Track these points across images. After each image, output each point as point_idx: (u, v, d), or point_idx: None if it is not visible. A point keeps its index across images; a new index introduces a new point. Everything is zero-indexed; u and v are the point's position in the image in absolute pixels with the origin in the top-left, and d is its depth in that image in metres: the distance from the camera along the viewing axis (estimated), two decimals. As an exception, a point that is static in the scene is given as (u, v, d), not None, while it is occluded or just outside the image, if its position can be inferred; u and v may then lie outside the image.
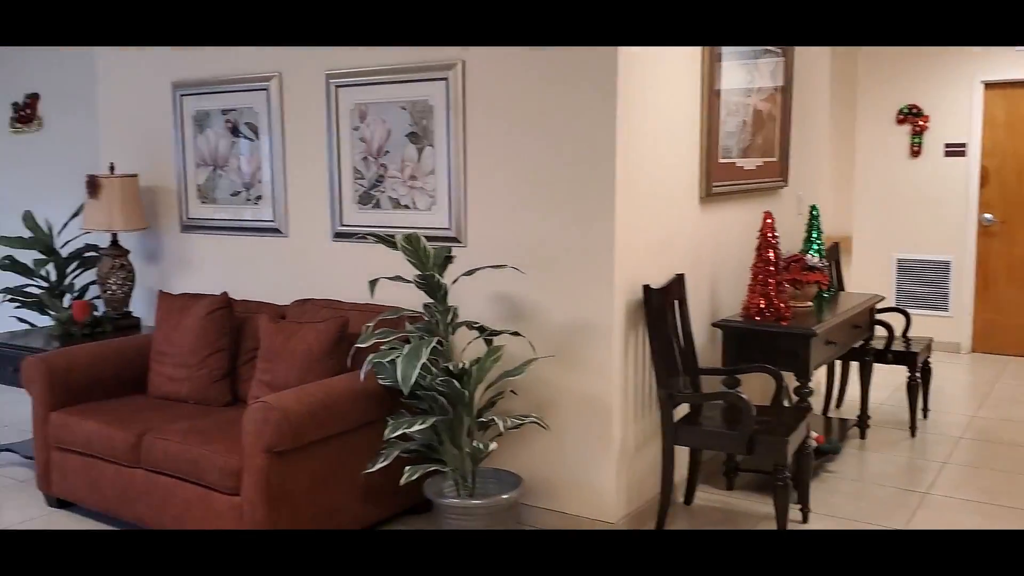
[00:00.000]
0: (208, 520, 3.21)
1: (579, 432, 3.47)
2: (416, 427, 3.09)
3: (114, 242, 4.56)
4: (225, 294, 3.98)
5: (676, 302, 3.69)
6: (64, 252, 4.76)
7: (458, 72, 3.59)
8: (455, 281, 3.40)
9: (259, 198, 4.32)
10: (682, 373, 3.64)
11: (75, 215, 4.78)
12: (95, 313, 4.51)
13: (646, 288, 3.45)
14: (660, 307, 3.51)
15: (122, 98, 4.75)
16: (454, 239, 3.68)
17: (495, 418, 3.19)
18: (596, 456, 3.45)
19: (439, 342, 3.19)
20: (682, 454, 3.75)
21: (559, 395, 3.49)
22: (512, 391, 3.48)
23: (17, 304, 4.63)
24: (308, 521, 3.18)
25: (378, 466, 3.14)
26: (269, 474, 3.04)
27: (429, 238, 3.34)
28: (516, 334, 3.36)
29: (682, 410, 3.64)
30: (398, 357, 3.04)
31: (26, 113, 5.59)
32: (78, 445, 3.62)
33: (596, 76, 3.27)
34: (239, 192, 4.39)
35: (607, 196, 3.30)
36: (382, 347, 3.25)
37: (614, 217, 3.29)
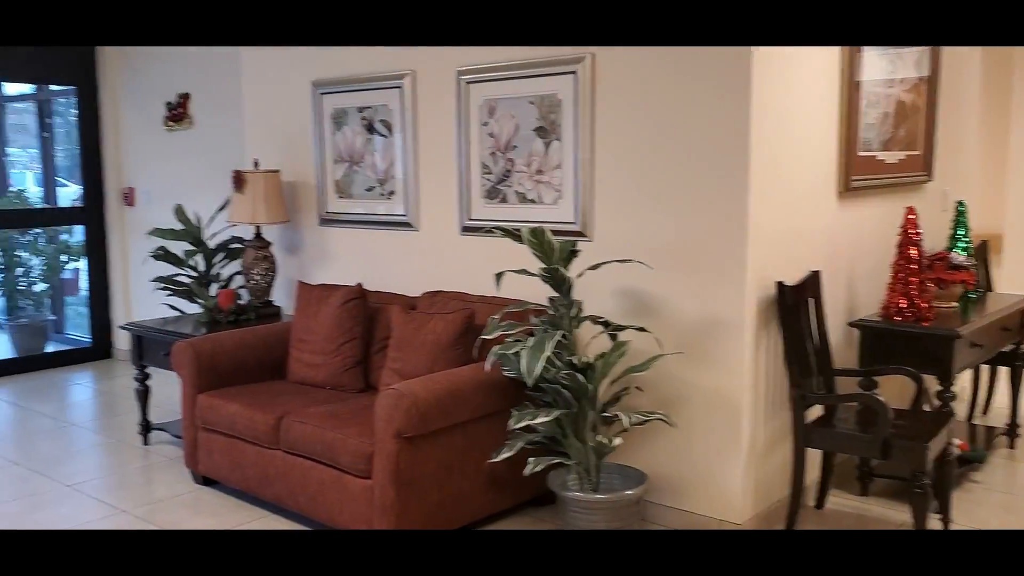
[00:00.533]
0: (341, 501, 3.34)
1: (706, 430, 3.42)
2: (540, 419, 3.11)
3: (257, 234, 4.79)
4: (359, 285, 4.12)
5: (811, 300, 3.57)
6: (211, 244, 5.03)
7: (587, 66, 3.59)
8: (580, 275, 3.41)
9: (392, 193, 4.45)
10: (816, 373, 3.52)
11: (221, 209, 5.06)
12: (239, 301, 4.75)
13: (779, 285, 3.36)
14: (794, 305, 3.40)
15: (265, 97, 4.99)
16: (579, 233, 3.68)
17: (619, 414, 3.18)
18: (724, 455, 3.38)
19: (563, 336, 3.20)
20: (814, 457, 3.63)
21: (686, 392, 3.45)
22: (637, 387, 3.46)
23: (169, 292, 4.93)
24: (434, 506, 3.26)
25: (502, 456, 3.19)
26: (399, 459, 3.13)
27: (554, 232, 3.36)
28: (642, 330, 3.33)
29: (815, 412, 3.52)
30: (523, 349, 3.08)
31: (178, 112, 5.94)
32: (222, 426, 3.84)
33: (729, 69, 3.20)
34: (373, 187, 4.53)
35: (739, 190, 3.22)
36: (507, 339, 3.29)
37: (747, 212, 3.22)
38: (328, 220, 4.76)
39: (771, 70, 3.27)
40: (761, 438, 3.46)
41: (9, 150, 8.23)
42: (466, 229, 4.11)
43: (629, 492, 3.20)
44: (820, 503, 3.73)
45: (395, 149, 4.39)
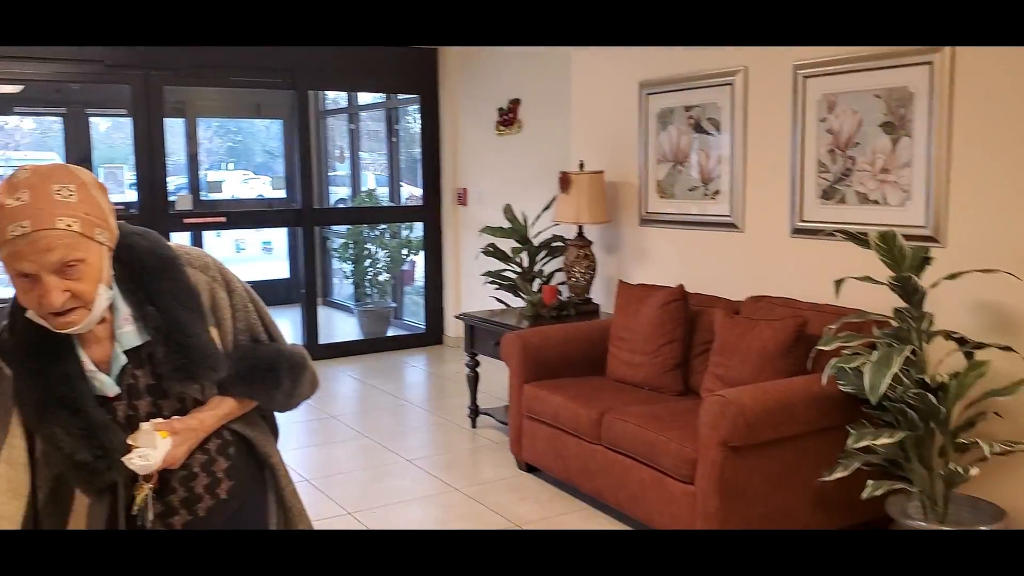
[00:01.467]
0: (662, 503, 3.33)
1: (1082, 468, 2.97)
2: (881, 440, 2.88)
3: (580, 234, 4.93)
4: (681, 287, 4.09)
5: None
6: (536, 241, 5.26)
7: (945, 56, 3.26)
8: (934, 285, 3.10)
9: (716, 193, 4.36)
10: None
11: (546, 208, 5.26)
12: (560, 297, 4.92)
13: None
14: None
15: (592, 100, 5.11)
16: (931, 238, 3.36)
17: (979, 441, 2.85)
18: (1104, 499, 2.92)
19: (912, 351, 2.93)
20: None
21: (1057, 422, 3.02)
22: (996, 413, 3.09)
23: (496, 286, 5.23)
24: (759, 520, 3.14)
25: (836, 475, 3.00)
26: (723, 467, 3.06)
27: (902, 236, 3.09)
28: (1007, 349, 2.96)
29: None
30: (866, 364, 2.86)
31: (509, 117, 6.29)
32: (546, 416, 3.99)
33: None
34: (696, 187, 4.47)
35: None
36: (845, 351, 3.08)
37: None
38: (648, 220, 4.78)
39: None
40: None
41: (361, 154, 9.23)
42: (797, 231, 3.91)
43: (983, 528, 2.87)
44: None
45: (722, 148, 4.30)
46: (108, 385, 1.59)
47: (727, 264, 4.29)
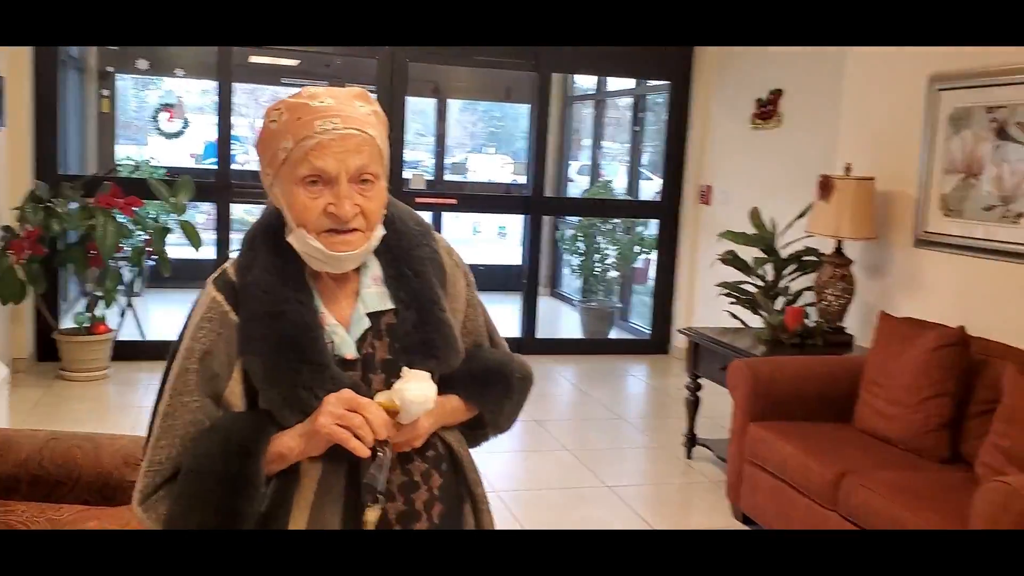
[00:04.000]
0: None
1: None
2: None
3: (838, 249, 4.21)
4: (962, 328, 3.30)
5: None
6: (784, 253, 4.60)
7: None
8: None
9: (1020, 216, 3.50)
10: None
11: (801, 215, 4.57)
12: (806, 322, 4.24)
13: None
14: None
15: (869, 94, 4.34)
16: None
17: None
18: None
19: None
20: None
21: None
22: None
23: (733, 300, 4.63)
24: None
25: None
26: None
27: None
28: None
29: None
30: None
31: (768, 109, 5.60)
32: (771, 465, 3.38)
33: None
34: (995, 206, 3.62)
35: None
36: None
37: None
38: (926, 241, 3.97)
39: None
40: None
41: (604, 143, 8.82)
42: None
43: None
44: None
45: (1035, 161, 3.43)
46: (347, 345, 1.37)
47: (1026, 306, 3.43)
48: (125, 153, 7.63)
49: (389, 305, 1.41)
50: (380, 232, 1.37)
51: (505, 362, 1.52)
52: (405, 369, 1.35)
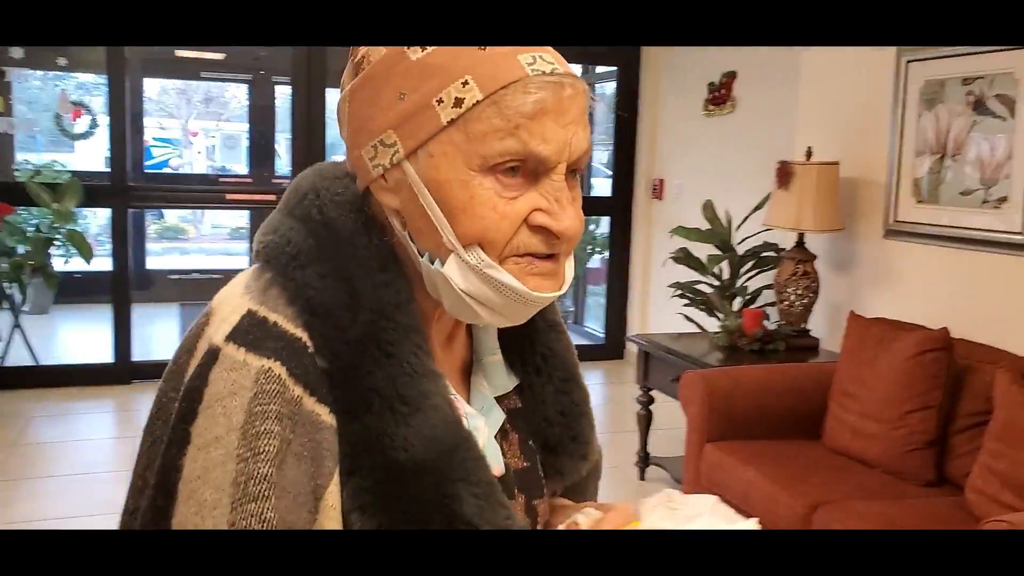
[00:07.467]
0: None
1: None
2: None
3: (799, 243, 3.79)
4: (945, 330, 2.88)
5: None
6: (740, 249, 4.17)
7: None
8: None
9: (1002, 200, 3.10)
10: None
11: (757, 207, 4.15)
12: (766, 324, 3.81)
13: None
14: None
15: (830, 69, 3.93)
16: None
17: None
18: None
19: None
20: None
21: None
22: None
23: (687, 302, 4.20)
24: None
25: None
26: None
27: None
28: None
29: None
30: None
31: (721, 94, 5.17)
32: (733, 494, 2.92)
33: None
34: (973, 190, 3.21)
35: None
36: None
37: None
38: (898, 232, 3.55)
39: None
40: None
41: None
42: None
43: None
44: None
45: (1015, 137, 3.03)
46: (492, 449, 0.84)
47: (1016, 302, 3.02)
48: (23, 158, 7.03)
49: (514, 381, 0.91)
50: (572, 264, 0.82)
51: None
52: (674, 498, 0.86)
